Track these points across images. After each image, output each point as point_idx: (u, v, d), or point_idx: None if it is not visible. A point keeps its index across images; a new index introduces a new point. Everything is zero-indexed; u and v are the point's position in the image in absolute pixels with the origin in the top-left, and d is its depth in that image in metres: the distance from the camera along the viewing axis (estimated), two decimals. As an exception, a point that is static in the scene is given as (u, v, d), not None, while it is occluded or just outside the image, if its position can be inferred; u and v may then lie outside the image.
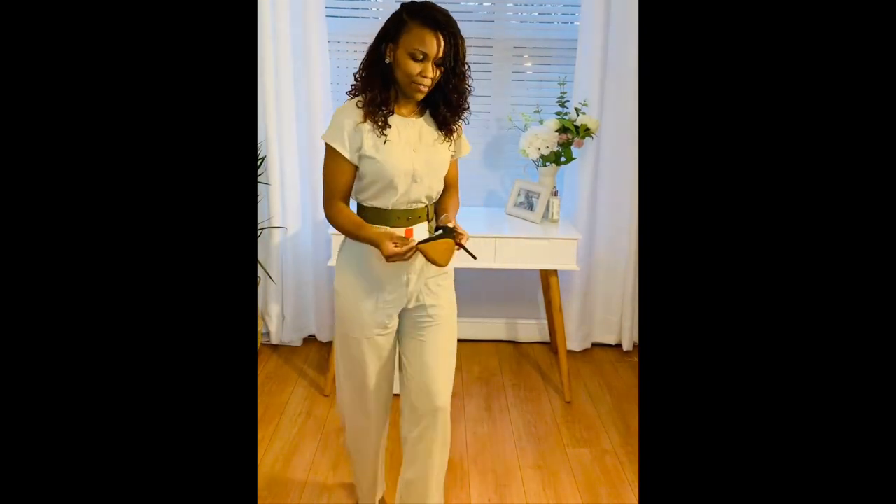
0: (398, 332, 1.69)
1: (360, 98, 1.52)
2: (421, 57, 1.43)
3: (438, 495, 1.73)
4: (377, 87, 1.49)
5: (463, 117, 1.61)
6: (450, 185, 1.69)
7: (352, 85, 1.55)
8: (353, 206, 1.63)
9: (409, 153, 1.52)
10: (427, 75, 1.45)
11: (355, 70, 1.56)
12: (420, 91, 1.48)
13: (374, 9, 2.85)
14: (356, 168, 1.54)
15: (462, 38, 1.48)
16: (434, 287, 1.64)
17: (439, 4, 1.50)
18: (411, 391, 1.66)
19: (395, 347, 1.70)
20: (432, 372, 1.62)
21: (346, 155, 1.51)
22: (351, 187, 1.58)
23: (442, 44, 1.43)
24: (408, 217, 1.57)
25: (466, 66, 1.52)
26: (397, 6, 1.52)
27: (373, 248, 1.53)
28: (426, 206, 1.60)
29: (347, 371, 1.70)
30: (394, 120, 1.52)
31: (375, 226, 1.56)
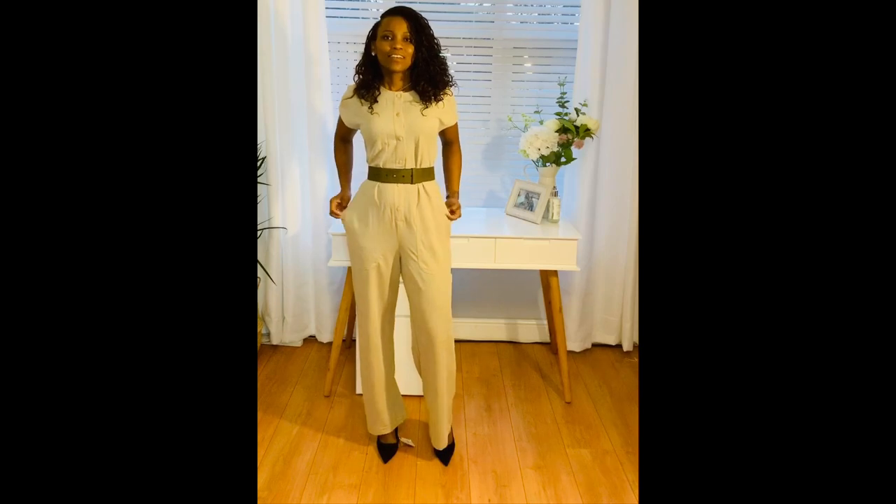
0: (402, 273, 2.08)
1: (354, 83, 2.02)
2: (390, 36, 1.87)
3: (447, 414, 2.19)
4: (368, 75, 1.98)
5: (446, 90, 1.98)
6: (450, 142, 2.15)
7: (354, 78, 2.03)
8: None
9: (391, 118, 1.94)
10: (397, 47, 1.87)
11: (354, 69, 2.04)
12: (395, 61, 1.89)
13: (375, 9, 2.85)
14: (352, 131, 2.12)
15: (425, 20, 1.92)
16: (424, 243, 2.00)
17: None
18: (415, 328, 2.11)
19: (391, 281, 2.10)
20: (428, 315, 2.03)
21: (345, 119, 2.08)
22: (349, 133, 2.15)
23: (405, 23, 1.87)
24: (392, 175, 1.98)
25: (437, 43, 1.94)
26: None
27: (375, 199, 2.00)
28: (411, 169, 1.98)
29: (357, 299, 2.12)
30: (382, 96, 1.97)
31: (345, 183, 2.20)
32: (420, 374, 2.22)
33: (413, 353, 2.25)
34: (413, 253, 2.01)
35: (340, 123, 2.13)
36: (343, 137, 2.17)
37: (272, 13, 2.60)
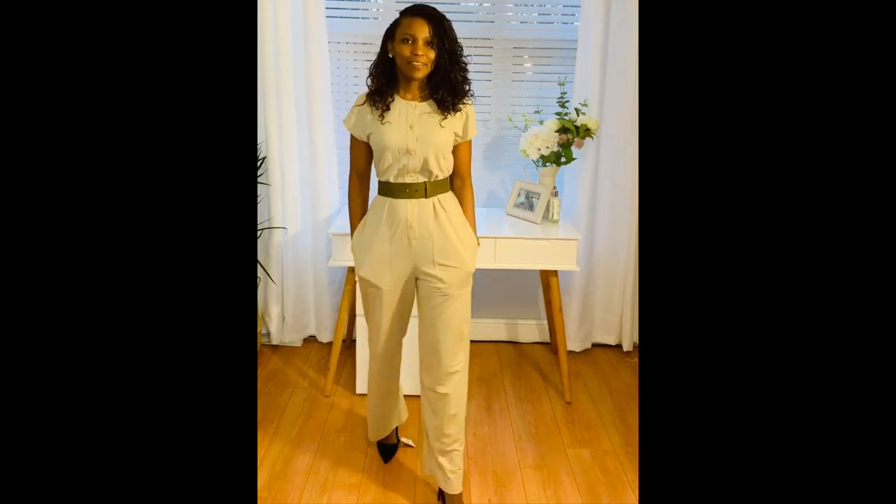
0: (417, 294, 1.91)
1: (367, 87, 1.83)
2: (410, 40, 1.69)
3: (461, 438, 1.97)
4: (382, 79, 1.78)
5: (466, 100, 1.81)
6: (460, 175, 1.90)
7: (367, 80, 1.84)
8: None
9: (403, 130, 1.76)
10: (418, 53, 1.69)
11: (368, 70, 1.84)
12: (416, 68, 1.71)
13: (375, 9, 2.85)
14: (368, 146, 1.85)
15: (449, 22, 1.73)
16: (443, 262, 1.82)
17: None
18: (425, 353, 1.92)
19: (405, 304, 1.92)
20: (441, 340, 1.85)
21: (354, 133, 1.85)
22: (366, 163, 1.90)
23: (427, 26, 1.69)
24: (405, 190, 1.80)
25: (459, 48, 1.76)
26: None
27: (386, 217, 1.83)
28: (424, 182, 1.81)
29: (367, 315, 1.98)
30: (395, 104, 1.78)
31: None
32: (423, 411, 1.98)
33: (420, 374, 1.99)
34: (429, 273, 1.82)
35: (355, 150, 1.88)
36: (360, 172, 1.91)
37: (272, 13, 2.60)
